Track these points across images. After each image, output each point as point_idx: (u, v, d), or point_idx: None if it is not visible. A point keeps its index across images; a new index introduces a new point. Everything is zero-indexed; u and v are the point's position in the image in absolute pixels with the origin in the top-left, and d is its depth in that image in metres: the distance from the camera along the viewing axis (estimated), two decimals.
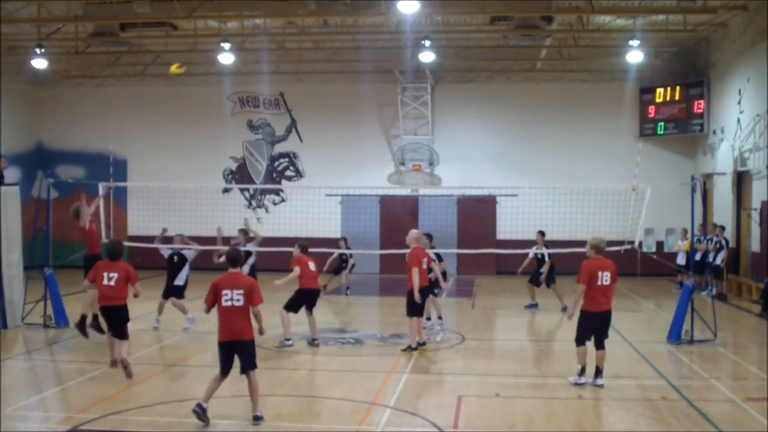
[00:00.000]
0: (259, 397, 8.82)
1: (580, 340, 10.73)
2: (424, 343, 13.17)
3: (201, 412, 8.62)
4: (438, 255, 15.75)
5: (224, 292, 8.77)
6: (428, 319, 15.44)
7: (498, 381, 11.05)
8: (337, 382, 10.99)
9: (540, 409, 9.57)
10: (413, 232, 13.52)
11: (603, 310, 10.66)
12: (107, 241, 13.66)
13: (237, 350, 8.83)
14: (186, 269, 15.01)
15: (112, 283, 11.08)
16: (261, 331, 9.16)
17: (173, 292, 15.00)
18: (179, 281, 14.96)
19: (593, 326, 10.66)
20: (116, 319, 11.19)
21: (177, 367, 11.79)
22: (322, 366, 12.33)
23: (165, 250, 15.33)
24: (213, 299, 8.86)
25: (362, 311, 19.41)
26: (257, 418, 8.70)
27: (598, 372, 10.64)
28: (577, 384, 10.58)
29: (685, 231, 22.93)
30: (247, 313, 8.82)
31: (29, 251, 16.18)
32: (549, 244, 18.69)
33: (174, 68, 10.47)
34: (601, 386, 10.49)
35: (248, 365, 8.80)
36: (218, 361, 8.92)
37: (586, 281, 10.49)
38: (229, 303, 8.75)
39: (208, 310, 9.01)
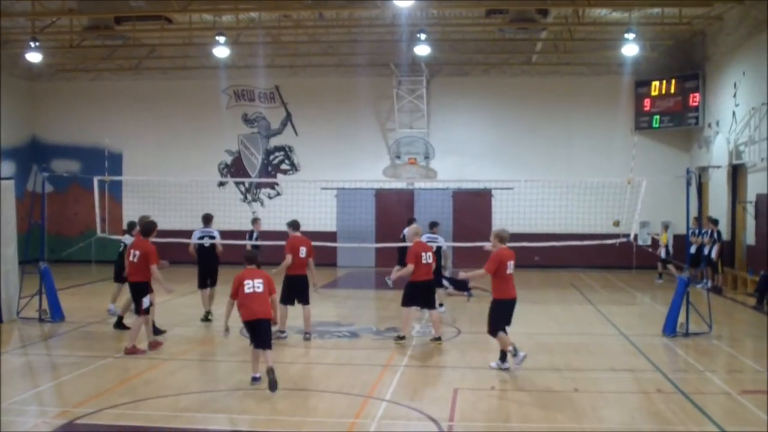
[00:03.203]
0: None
1: (497, 329, 11.04)
2: (439, 338, 13.24)
3: (256, 381, 10.01)
4: (439, 249, 15.79)
5: (246, 282, 9.99)
6: (440, 305, 15.94)
7: (494, 374, 11.05)
8: (333, 376, 10.99)
9: (536, 402, 9.58)
10: (412, 228, 13.83)
11: (513, 297, 11.16)
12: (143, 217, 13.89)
13: (257, 327, 9.93)
14: None
15: (135, 260, 12.09)
16: (274, 320, 10.39)
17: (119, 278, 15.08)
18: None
19: (507, 313, 11.10)
20: (134, 295, 12.25)
21: (173, 361, 11.77)
22: (318, 359, 12.32)
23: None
24: (236, 291, 10.04)
25: (358, 305, 19.42)
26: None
27: (504, 356, 11.07)
28: (500, 369, 11.02)
29: (666, 226, 23.23)
30: (266, 298, 10.05)
31: (24, 245, 16.14)
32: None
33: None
34: (508, 369, 10.95)
35: (264, 344, 9.88)
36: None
37: (493, 270, 10.91)
38: (251, 290, 9.96)
39: (233, 300, 10.17)
